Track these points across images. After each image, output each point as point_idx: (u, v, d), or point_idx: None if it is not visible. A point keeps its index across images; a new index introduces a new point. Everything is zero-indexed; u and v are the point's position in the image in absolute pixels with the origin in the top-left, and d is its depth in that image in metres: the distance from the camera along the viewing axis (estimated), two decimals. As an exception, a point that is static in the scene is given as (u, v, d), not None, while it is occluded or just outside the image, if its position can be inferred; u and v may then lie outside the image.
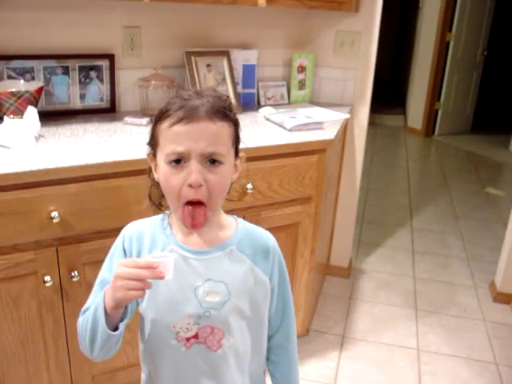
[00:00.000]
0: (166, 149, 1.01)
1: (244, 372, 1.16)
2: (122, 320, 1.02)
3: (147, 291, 0.95)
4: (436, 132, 6.73)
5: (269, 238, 1.17)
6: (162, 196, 1.10)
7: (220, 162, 1.01)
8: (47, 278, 1.69)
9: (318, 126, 2.24)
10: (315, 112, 2.49)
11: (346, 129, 2.79)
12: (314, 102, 2.78)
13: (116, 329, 1.01)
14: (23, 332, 1.74)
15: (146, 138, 1.12)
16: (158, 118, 1.04)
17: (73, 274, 1.74)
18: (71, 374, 1.89)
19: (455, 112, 6.73)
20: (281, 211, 2.12)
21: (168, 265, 0.94)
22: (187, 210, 1.02)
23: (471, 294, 3.10)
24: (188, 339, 1.08)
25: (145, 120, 2.14)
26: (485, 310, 2.94)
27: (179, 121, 0.98)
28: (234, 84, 2.45)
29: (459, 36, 6.22)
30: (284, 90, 2.71)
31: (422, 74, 6.59)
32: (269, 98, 2.66)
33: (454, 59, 6.34)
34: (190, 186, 0.99)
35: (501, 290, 3.02)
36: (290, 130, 2.16)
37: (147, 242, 1.11)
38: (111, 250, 1.15)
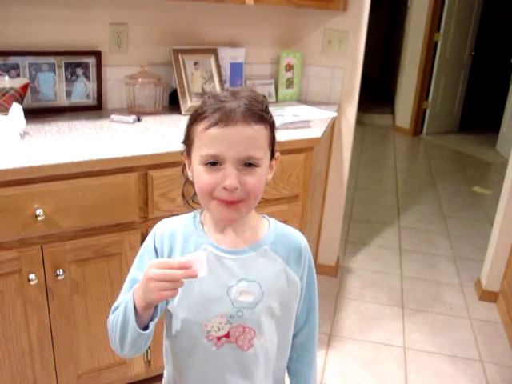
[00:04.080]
0: (202, 151, 1.00)
1: (269, 372, 1.16)
2: (152, 319, 1.02)
3: (180, 289, 0.95)
4: (424, 131, 6.76)
5: (301, 239, 1.17)
6: (195, 194, 1.09)
7: (256, 165, 1.00)
8: (32, 277, 1.68)
9: (305, 124, 2.24)
10: (302, 110, 2.49)
11: (333, 127, 2.80)
12: (301, 100, 2.78)
13: (146, 328, 1.01)
14: (7, 331, 1.73)
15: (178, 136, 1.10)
16: (194, 119, 1.02)
17: (58, 273, 1.73)
18: (56, 373, 1.88)
19: (443, 111, 6.77)
20: (267, 210, 2.09)
21: (201, 262, 0.94)
22: (220, 204, 1.00)
23: (457, 292, 3.12)
24: (219, 338, 1.07)
25: (131, 118, 2.14)
26: (470, 307, 2.96)
27: (215, 124, 0.97)
28: (222, 82, 2.44)
29: (447, 36, 6.26)
30: (272, 88, 2.71)
31: (410, 73, 6.62)
32: (256, 97, 2.65)
33: (441, 59, 6.37)
34: (225, 189, 0.98)
35: (486, 288, 3.04)
36: (276, 129, 2.16)
37: (179, 240, 1.10)
38: (142, 249, 1.14)
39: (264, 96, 1.07)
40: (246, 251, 1.08)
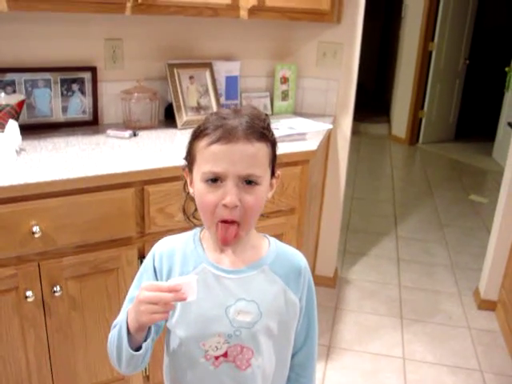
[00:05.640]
0: (203, 167, 1.00)
1: None
2: (145, 339, 1.02)
3: (178, 308, 0.95)
4: (420, 140, 6.78)
5: (301, 259, 1.17)
6: (195, 210, 1.09)
7: (256, 183, 1.01)
8: (29, 294, 1.68)
9: (300, 136, 2.25)
10: (298, 123, 2.50)
11: (329, 139, 2.81)
12: (297, 112, 2.79)
13: (139, 348, 1.01)
14: (4, 349, 1.72)
15: (182, 152, 1.09)
16: (196, 135, 1.03)
17: (55, 289, 1.72)
18: (54, 390, 1.87)
19: (439, 120, 6.79)
20: (264, 223, 2.09)
21: (191, 286, 0.94)
22: (221, 227, 1.01)
23: (456, 301, 3.12)
24: (217, 358, 1.07)
25: (127, 133, 2.14)
26: (469, 317, 2.96)
27: (217, 141, 0.98)
28: (217, 96, 2.45)
29: (441, 45, 6.29)
30: (267, 101, 2.72)
31: (405, 82, 6.65)
32: (252, 109, 2.66)
33: (436, 68, 6.40)
34: (226, 206, 0.98)
35: (485, 297, 3.04)
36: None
37: (178, 260, 1.09)
38: (141, 269, 1.14)
39: (266, 114, 1.07)
40: (245, 271, 1.08)
